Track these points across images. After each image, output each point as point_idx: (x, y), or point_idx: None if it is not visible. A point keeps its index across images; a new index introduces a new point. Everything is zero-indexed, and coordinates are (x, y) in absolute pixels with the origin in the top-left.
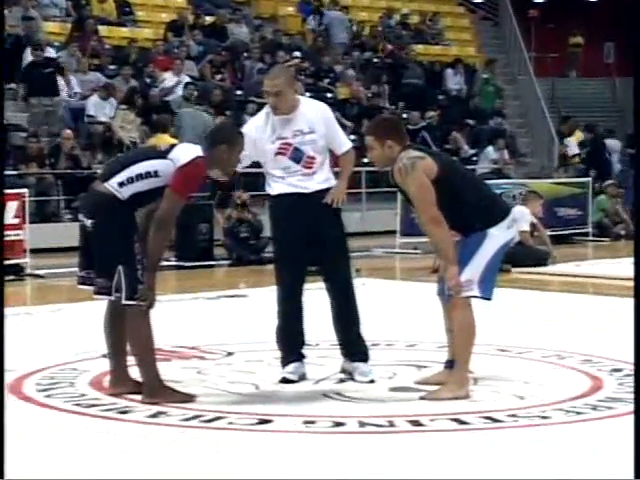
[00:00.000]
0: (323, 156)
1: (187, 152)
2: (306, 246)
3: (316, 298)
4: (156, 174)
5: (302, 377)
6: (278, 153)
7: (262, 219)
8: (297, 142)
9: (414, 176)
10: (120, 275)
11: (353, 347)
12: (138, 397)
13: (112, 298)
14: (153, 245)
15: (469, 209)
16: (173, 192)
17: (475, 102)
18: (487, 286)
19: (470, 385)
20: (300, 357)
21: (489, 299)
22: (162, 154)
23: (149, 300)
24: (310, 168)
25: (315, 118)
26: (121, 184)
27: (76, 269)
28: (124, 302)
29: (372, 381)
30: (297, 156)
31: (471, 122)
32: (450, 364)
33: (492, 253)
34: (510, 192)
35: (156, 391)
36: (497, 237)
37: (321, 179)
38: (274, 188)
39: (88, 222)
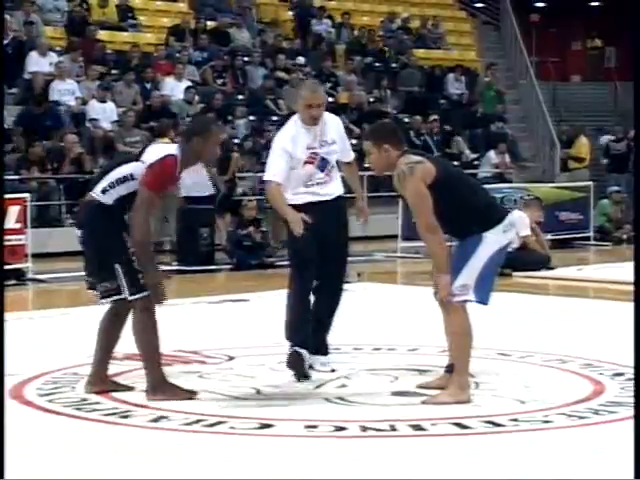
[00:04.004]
0: (336, 164)
1: (156, 152)
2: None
3: None
4: (132, 177)
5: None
6: (307, 162)
7: (267, 230)
8: (323, 152)
9: (412, 182)
10: (119, 275)
11: (322, 346)
12: (139, 401)
13: (123, 296)
14: (136, 248)
15: (466, 212)
16: (142, 188)
17: (476, 107)
18: (483, 291)
19: (471, 389)
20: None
21: (485, 304)
22: (136, 157)
23: (160, 295)
24: (330, 176)
25: (334, 130)
26: (104, 191)
27: (77, 274)
28: (130, 298)
29: (333, 370)
30: (323, 165)
31: (472, 126)
32: (450, 368)
33: (488, 257)
34: (511, 196)
35: (160, 388)
36: (493, 241)
37: (337, 185)
38: (294, 198)
39: (78, 233)
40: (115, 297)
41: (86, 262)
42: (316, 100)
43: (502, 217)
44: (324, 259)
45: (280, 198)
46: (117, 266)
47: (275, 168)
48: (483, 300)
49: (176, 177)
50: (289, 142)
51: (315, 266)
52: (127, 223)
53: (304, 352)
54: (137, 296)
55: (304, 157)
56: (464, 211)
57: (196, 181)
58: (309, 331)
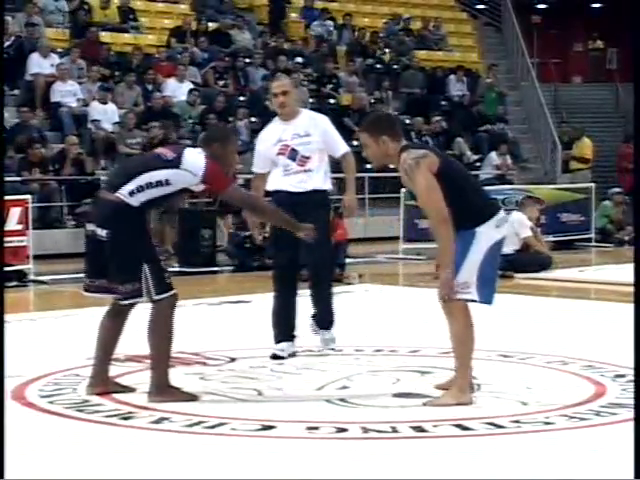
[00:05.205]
0: (318, 158)
1: (198, 158)
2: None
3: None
4: (167, 182)
5: (292, 355)
6: (279, 153)
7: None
8: (295, 144)
9: (420, 175)
10: (146, 275)
11: (325, 323)
12: (141, 402)
13: (143, 300)
14: (263, 215)
15: (462, 206)
16: (224, 191)
17: (478, 108)
18: (487, 291)
19: (474, 391)
20: (291, 338)
21: (490, 304)
22: (172, 163)
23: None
24: (303, 166)
25: (311, 125)
26: (131, 193)
27: (79, 275)
28: (155, 298)
29: (332, 349)
30: (293, 155)
31: (474, 128)
32: None
33: (484, 252)
34: (513, 198)
35: (163, 390)
36: (486, 236)
37: (316, 179)
38: (271, 184)
39: (103, 232)
40: (137, 299)
41: (94, 262)
42: (279, 88)
43: (495, 212)
44: (305, 253)
45: (255, 194)
46: (145, 266)
47: (255, 162)
48: (487, 300)
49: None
50: (263, 137)
51: (293, 267)
52: (149, 223)
53: (281, 349)
54: (163, 296)
55: (275, 150)
56: (460, 204)
57: None
58: (284, 324)
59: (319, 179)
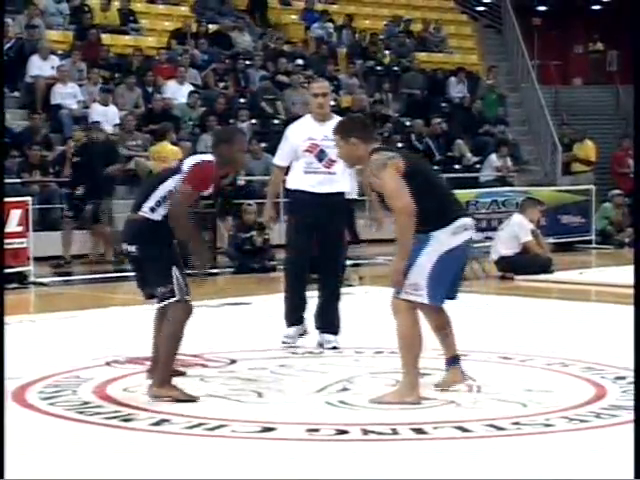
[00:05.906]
0: (343, 163)
1: (194, 159)
2: (313, 238)
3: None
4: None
5: (302, 334)
6: (306, 150)
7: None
8: (323, 145)
9: (386, 172)
10: (176, 277)
11: (331, 326)
12: (141, 404)
13: (177, 298)
14: (182, 237)
15: (422, 209)
16: (181, 185)
17: (478, 110)
18: (436, 293)
19: (473, 392)
20: (298, 322)
21: (441, 304)
22: (176, 172)
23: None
24: (329, 168)
25: None
26: (152, 209)
27: (80, 277)
28: (177, 298)
29: (335, 347)
30: (321, 156)
31: (474, 130)
32: (450, 361)
33: (436, 257)
34: (513, 200)
35: (165, 385)
36: (440, 241)
37: (338, 184)
38: (291, 182)
39: (133, 248)
40: (170, 300)
41: (141, 273)
42: (320, 89)
43: (455, 218)
44: (320, 252)
45: (272, 187)
46: (174, 268)
47: (278, 153)
48: (435, 302)
49: (214, 178)
50: (293, 130)
51: (307, 263)
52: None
53: (292, 330)
54: (184, 298)
55: (304, 146)
56: (419, 206)
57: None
58: (295, 312)
59: (341, 182)
